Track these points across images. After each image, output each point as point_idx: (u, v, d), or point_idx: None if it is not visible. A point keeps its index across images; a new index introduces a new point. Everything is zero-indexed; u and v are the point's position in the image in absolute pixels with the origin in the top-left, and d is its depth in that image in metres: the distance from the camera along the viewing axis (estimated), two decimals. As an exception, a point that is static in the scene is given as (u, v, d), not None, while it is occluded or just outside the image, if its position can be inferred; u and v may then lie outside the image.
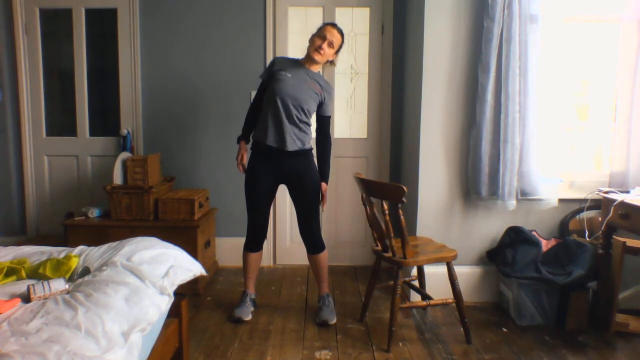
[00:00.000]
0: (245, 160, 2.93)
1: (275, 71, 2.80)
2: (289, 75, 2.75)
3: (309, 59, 2.81)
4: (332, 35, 2.76)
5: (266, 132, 2.76)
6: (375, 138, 3.81)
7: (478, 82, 2.91)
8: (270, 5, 3.65)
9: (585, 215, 3.02)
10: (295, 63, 2.85)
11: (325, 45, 2.74)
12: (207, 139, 3.75)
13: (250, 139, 2.93)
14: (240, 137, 2.95)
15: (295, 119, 2.74)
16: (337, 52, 2.83)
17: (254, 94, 3.02)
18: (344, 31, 2.84)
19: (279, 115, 2.73)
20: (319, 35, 2.77)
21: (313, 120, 2.88)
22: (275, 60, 2.89)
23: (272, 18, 3.68)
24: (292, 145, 2.75)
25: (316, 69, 2.85)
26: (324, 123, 2.88)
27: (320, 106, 2.83)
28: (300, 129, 2.77)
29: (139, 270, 1.90)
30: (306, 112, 2.77)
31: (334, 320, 2.82)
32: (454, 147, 3.05)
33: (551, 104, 2.89)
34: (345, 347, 2.56)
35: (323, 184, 2.88)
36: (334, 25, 2.81)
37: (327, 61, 2.86)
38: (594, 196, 2.96)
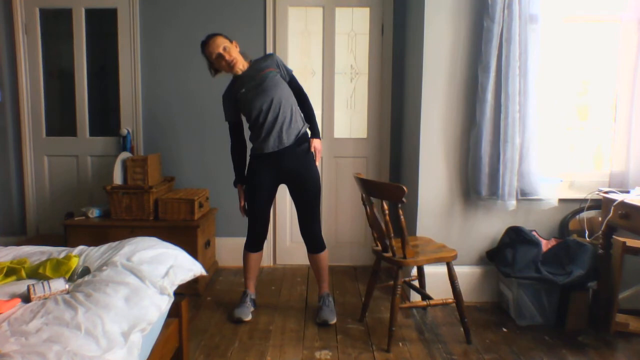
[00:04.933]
0: (244, 203, 2.92)
1: (234, 101, 2.81)
2: (244, 90, 2.75)
3: (233, 70, 2.77)
4: (215, 45, 2.73)
5: (262, 143, 2.76)
6: (375, 138, 3.81)
7: (478, 82, 2.91)
8: (270, 5, 3.65)
9: (585, 215, 3.02)
10: (236, 81, 2.82)
11: (226, 56, 2.72)
12: (207, 139, 3.75)
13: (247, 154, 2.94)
14: (235, 181, 2.94)
15: (282, 111, 2.72)
16: (232, 42, 2.80)
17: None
18: (228, 36, 2.82)
19: (268, 123, 2.72)
20: (214, 60, 2.75)
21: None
22: (224, 97, 2.87)
23: (272, 18, 3.68)
24: (289, 138, 2.74)
25: (245, 65, 2.81)
26: (295, 84, 2.86)
27: (282, 73, 2.81)
28: (292, 115, 2.75)
29: (139, 270, 1.90)
30: (284, 96, 2.75)
31: (334, 320, 2.82)
32: (454, 147, 3.05)
33: (551, 104, 2.89)
34: (345, 347, 2.56)
35: (316, 140, 2.84)
36: (205, 42, 2.77)
37: (241, 54, 2.82)
38: (594, 196, 2.96)
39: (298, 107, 2.83)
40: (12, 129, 3.75)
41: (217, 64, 2.78)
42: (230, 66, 2.75)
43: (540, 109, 2.88)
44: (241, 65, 2.78)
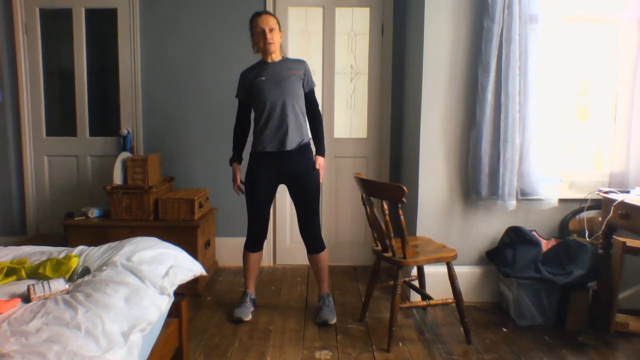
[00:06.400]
0: (239, 182, 2.94)
1: (250, 82, 2.80)
2: (264, 79, 2.75)
3: (266, 54, 2.79)
4: (266, 22, 2.74)
5: (264, 140, 2.76)
6: (375, 138, 3.81)
7: (478, 82, 2.91)
8: (270, 5, 3.65)
9: (585, 215, 3.02)
10: (261, 65, 2.83)
11: (267, 36, 2.73)
12: (207, 139, 3.75)
13: (247, 152, 2.93)
14: (232, 158, 2.95)
15: (290, 115, 2.73)
16: (280, 31, 2.81)
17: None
18: (275, 14, 2.82)
19: (274, 120, 2.73)
20: (257, 32, 2.75)
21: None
22: (242, 74, 2.87)
23: (272, 18, 3.67)
24: (292, 142, 2.75)
25: (278, 57, 2.83)
26: (311, 98, 2.87)
27: (304, 83, 2.82)
28: (298, 122, 2.76)
29: (139, 270, 1.90)
30: (297, 102, 2.76)
31: (334, 320, 2.82)
32: (454, 147, 3.05)
33: (551, 104, 2.89)
34: (345, 347, 2.56)
35: (320, 158, 2.87)
36: (258, 13, 2.79)
37: (280, 46, 2.83)
38: (594, 196, 2.96)
39: (307, 118, 2.84)
40: (12, 129, 3.75)
41: (256, 39, 2.78)
42: (265, 48, 2.76)
43: (540, 109, 2.88)
44: (274, 54, 2.79)
